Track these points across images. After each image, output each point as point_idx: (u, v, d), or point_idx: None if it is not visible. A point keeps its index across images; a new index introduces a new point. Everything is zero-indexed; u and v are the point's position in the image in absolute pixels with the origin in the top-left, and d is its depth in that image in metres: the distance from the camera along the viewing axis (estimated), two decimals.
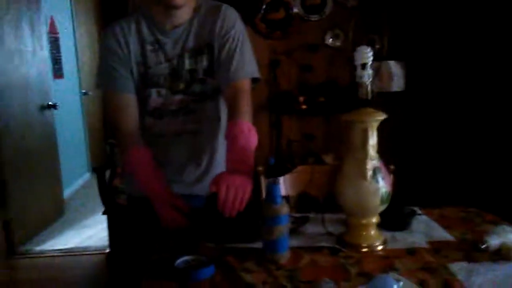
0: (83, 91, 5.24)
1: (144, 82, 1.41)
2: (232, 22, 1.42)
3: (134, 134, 1.38)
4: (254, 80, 1.44)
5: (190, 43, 1.41)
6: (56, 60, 4.54)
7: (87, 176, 5.35)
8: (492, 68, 3.15)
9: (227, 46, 1.40)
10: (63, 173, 4.16)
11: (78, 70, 5.20)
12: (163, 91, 1.41)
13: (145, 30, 1.40)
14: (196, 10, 1.42)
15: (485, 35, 3.15)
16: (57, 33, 4.57)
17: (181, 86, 1.42)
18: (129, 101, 1.40)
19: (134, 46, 1.39)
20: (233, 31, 1.41)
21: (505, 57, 3.07)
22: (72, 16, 5.08)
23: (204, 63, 1.41)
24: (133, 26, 1.40)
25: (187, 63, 1.41)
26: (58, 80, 4.54)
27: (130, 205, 1.58)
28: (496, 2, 3.06)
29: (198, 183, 1.48)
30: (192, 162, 1.48)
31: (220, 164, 1.45)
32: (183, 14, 1.40)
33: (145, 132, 1.44)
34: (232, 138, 1.26)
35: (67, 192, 4.54)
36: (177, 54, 1.40)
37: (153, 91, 1.41)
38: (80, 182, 5.11)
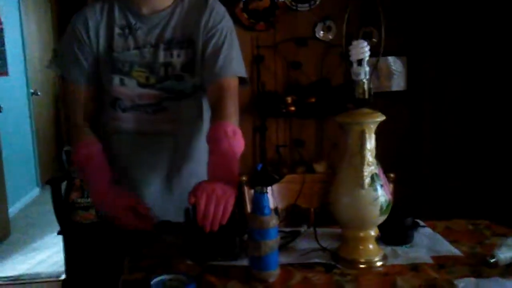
0: (32, 90, 5.22)
1: (109, 68, 1.48)
2: (220, 17, 1.49)
3: (86, 127, 1.49)
4: (242, 83, 1.50)
5: (168, 33, 1.47)
6: (0, 55, 4.52)
7: (36, 191, 5.32)
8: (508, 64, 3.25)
9: (213, 41, 1.46)
10: (8, 188, 4.13)
11: (26, 67, 5.18)
12: (127, 81, 1.47)
13: (116, 12, 1.49)
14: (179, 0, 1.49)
15: (500, 25, 3.27)
16: (1, 23, 4.56)
17: (152, 80, 1.47)
18: (87, 93, 1.51)
19: (103, 31, 1.48)
20: (220, 26, 1.48)
21: None
22: (19, 2, 5.06)
23: (182, 58, 1.47)
24: (106, 9, 1.49)
25: (161, 55, 1.47)
26: (1, 78, 4.53)
27: (99, 223, 1.62)
28: None
29: (173, 192, 1.53)
30: (168, 168, 1.53)
31: (200, 172, 1.48)
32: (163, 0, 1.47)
33: (106, 126, 1.53)
34: (214, 141, 1.32)
35: (12, 210, 4.50)
36: (150, 43, 1.47)
37: (116, 78, 1.47)
38: (28, 198, 5.07)
